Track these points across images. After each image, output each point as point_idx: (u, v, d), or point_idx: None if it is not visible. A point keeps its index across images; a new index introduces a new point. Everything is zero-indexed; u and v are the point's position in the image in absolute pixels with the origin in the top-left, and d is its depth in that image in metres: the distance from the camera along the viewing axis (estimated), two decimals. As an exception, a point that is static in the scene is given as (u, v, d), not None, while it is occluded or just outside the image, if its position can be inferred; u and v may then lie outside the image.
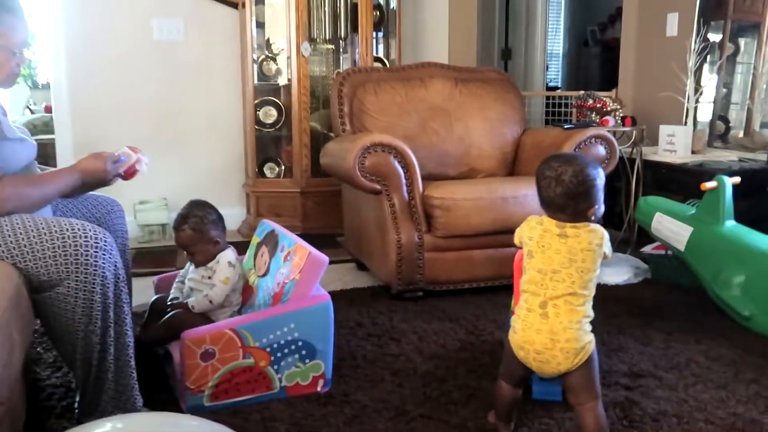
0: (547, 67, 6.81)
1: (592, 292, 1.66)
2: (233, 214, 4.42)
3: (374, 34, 4.26)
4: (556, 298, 1.62)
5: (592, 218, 1.66)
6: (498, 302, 2.82)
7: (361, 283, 3.16)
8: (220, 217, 2.25)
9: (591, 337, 1.65)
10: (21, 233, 1.67)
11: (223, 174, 4.41)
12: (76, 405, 1.90)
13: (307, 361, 2.01)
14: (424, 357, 2.29)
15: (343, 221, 3.52)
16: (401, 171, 2.85)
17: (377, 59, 4.37)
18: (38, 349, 2.33)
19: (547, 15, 6.47)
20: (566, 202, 1.63)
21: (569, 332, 1.61)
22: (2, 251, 1.66)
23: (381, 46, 4.53)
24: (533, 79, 6.38)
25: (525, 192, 2.85)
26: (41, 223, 1.69)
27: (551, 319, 1.62)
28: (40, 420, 1.88)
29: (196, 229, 2.16)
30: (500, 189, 2.89)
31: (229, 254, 2.19)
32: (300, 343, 1.99)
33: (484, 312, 2.72)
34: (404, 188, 2.85)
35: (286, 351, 1.98)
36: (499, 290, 2.93)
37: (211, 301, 2.12)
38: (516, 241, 1.78)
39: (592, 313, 1.67)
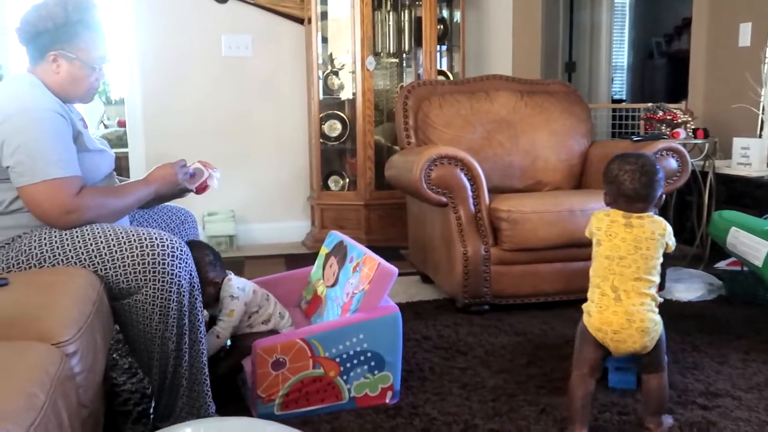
0: (612, 79, 6.69)
1: (657, 279, 1.80)
2: (298, 227, 4.48)
3: (438, 47, 4.27)
4: (625, 283, 1.77)
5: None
6: (566, 317, 2.77)
7: (426, 296, 3.15)
8: (216, 256, 2.19)
9: (659, 319, 1.79)
10: (102, 242, 1.72)
11: (288, 187, 4.48)
12: (151, 410, 1.94)
13: (376, 372, 2.01)
14: (492, 371, 2.27)
15: (407, 234, 3.52)
16: (467, 183, 2.83)
17: (441, 72, 4.38)
18: (114, 356, 2.40)
19: (611, 27, 6.37)
20: (648, 192, 1.79)
21: (642, 313, 1.75)
22: (84, 259, 1.71)
23: (444, 60, 4.54)
24: (598, 92, 6.28)
25: (593, 205, 2.80)
26: (120, 232, 1.74)
27: (624, 302, 1.76)
28: (116, 424, 1.93)
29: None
30: (568, 202, 2.84)
31: (228, 288, 2.14)
32: (369, 354, 1.99)
33: (552, 327, 2.68)
34: (470, 201, 2.84)
35: (355, 362, 1.98)
36: (567, 305, 2.88)
37: (218, 336, 2.11)
38: (586, 233, 1.94)
39: (659, 298, 1.81)
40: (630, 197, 1.80)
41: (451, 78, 4.37)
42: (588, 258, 2.80)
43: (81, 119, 1.98)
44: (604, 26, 6.23)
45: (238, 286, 2.15)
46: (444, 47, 4.51)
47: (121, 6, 4.13)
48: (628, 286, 1.76)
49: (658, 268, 1.80)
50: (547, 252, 2.82)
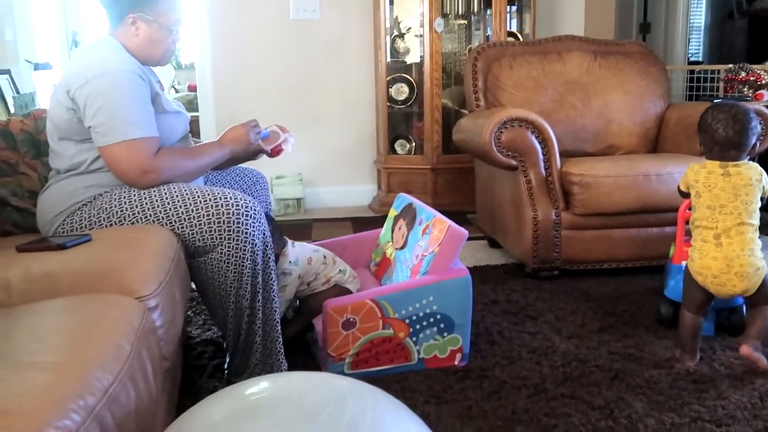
0: (689, 40, 6.42)
1: (758, 222, 1.91)
2: (364, 190, 4.49)
3: (507, 8, 4.17)
4: (727, 230, 1.89)
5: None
6: (638, 284, 2.71)
7: (494, 260, 3.13)
8: (275, 228, 2.15)
9: (763, 263, 1.89)
10: (179, 201, 1.76)
11: (354, 150, 4.48)
12: (225, 365, 2.00)
13: (445, 334, 2.01)
14: (562, 336, 2.24)
15: (474, 198, 3.49)
16: (538, 146, 2.78)
17: (510, 34, 4.28)
18: (188, 312, 2.47)
19: (690, -15, 6.10)
20: (741, 140, 1.90)
21: (742, 258, 1.87)
22: (162, 218, 1.76)
23: (514, 21, 4.43)
24: (674, 53, 6.05)
25: (670, 169, 2.71)
26: (197, 192, 1.78)
27: (725, 248, 1.88)
28: (191, 378, 1.99)
29: None
30: (643, 166, 2.75)
31: (280, 264, 2.12)
32: (438, 316, 1.99)
33: (624, 293, 2.62)
34: (541, 164, 2.78)
35: (424, 323, 1.99)
36: (640, 272, 2.82)
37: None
38: (682, 187, 2.06)
39: (760, 242, 1.92)
40: (723, 145, 1.90)
41: (521, 39, 4.27)
42: (663, 224, 2.76)
43: (158, 81, 2.01)
44: (682, -16, 5.98)
45: (290, 260, 2.14)
46: (514, 8, 4.40)
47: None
48: (731, 232, 1.88)
49: (758, 212, 1.92)
50: (620, 217, 2.75)
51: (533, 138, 2.77)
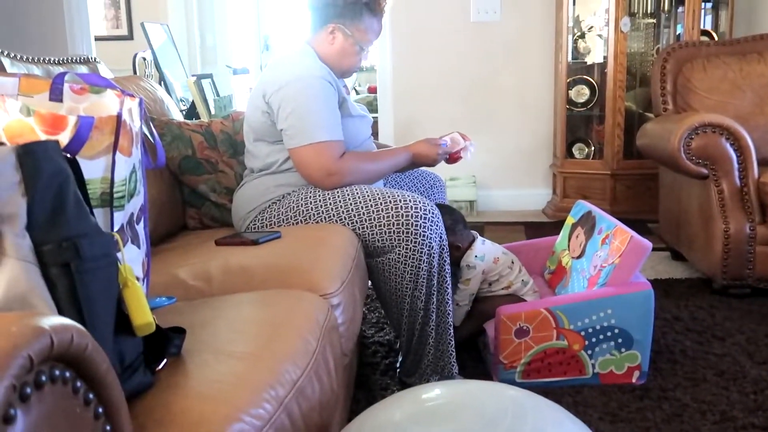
0: None
1: None
2: (538, 194, 4.41)
3: (702, 5, 3.90)
4: None
5: None
6: None
7: (676, 273, 2.95)
8: (456, 222, 2.16)
9: None
10: (360, 203, 1.83)
11: (530, 153, 4.41)
12: (398, 364, 2.04)
13: (623, 350, 1.93)
14: (754, 361, 2.07)
15: (656, 207, 3.31)
16: (733, 154, 2.58)
17: (704, 33, 4.00)
18: (363, 310, 2.55)
19: None
20: None
21: None
22: (344, 218, 1.84)
23: (709, 18, 4.14)
24: None
25: None
26: (378, 194, 1.84)
27: None
28: (365, 374, 2.06)
29: None
30: None
31: (466, 257, 2.14)
32: (616, 331, 1.91)
33: (828, 318, 2.38)
34: (736, 173, 2.58)
35: (601, 337, 1.92)
36: None
37: (458, 304, 2.13)
38: None
39: None
40: None
41: (716, 39, 3.98)
42: None
43: (344, 86, 2.11)
44: None
45: (476, 255, 2.15)
46: (709, 4, 4.11)
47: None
48: None
49: None
50: (827, 234, 2.50)
51: (728, 145, 2.58)
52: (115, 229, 1.12)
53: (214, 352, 1.05)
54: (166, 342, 1.02)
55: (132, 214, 1.20)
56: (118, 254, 0.93)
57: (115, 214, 1.12)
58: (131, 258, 1.17)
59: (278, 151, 1.96)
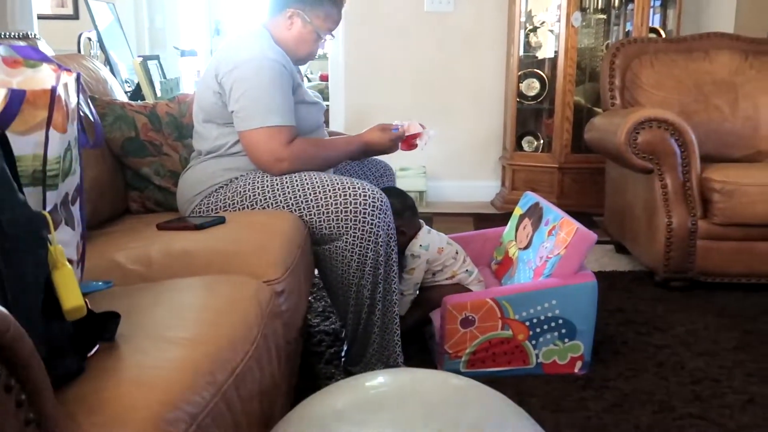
0: None
1: None
2: (488, 186, 4.44)
3: (651, 2, 3.97)
4: None
5: None
6: (782, 302, 2.53)
7: (620, 266, 3.01)
8: (405, 207, 2.14)
9: None
10: (309, 189, 1.81)
11: (480, 146, 4.44)
12: (343, 353, 2.03)
13: (566, 340, 1.95)
14: (693, 353, 2.12)
15: (602, 200, 3.36)
16: (677, 149, 2.63)
17: (653, 30, 4.08)
18: (309, 299, 2.53)
19: None
20: None
21: None
22: (292, 204, 1.81)
23: (657, 16, 4.22)
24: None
25: (826, 181, 2.50)
26: (326, 181, 1.81)
27: None
28: (310, 364, 2.03)
29: None
30: (794, 176, 2.55)
31: (411, 246, 2.13)
32: (560, 321, 1.93)
33: (764, 311, 2.45)
34: (680, 168, 2.64)
35: (545, 327, 1.93)
36: (784, 289, 2.63)
37: (402, 294, 2.13)
38: None
39: None
40: None
41: (664, 36, 4.06)
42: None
43: (299, 72, 2.07)
44: None
45: (421, 244, 2.14)
46: (658, 2, 4.19)
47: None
48: None
49: None
50: (764, 229, 2.56)
51: (672, 140, 2.63)
52: (48, 209, 1.07)
53: (150, 338, 1.02)
54: (99, 327, 0.97)
55: (67, 194, 1.15)
56: (48, 236, 0.89)
57: (48, 194, 1.07)
58: (65, 240, 1.12)
59: (227, 134, 1.92)
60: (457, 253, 2.22)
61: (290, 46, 1.98)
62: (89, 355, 0.96)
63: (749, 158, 3.04)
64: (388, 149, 2.07)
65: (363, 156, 2.13)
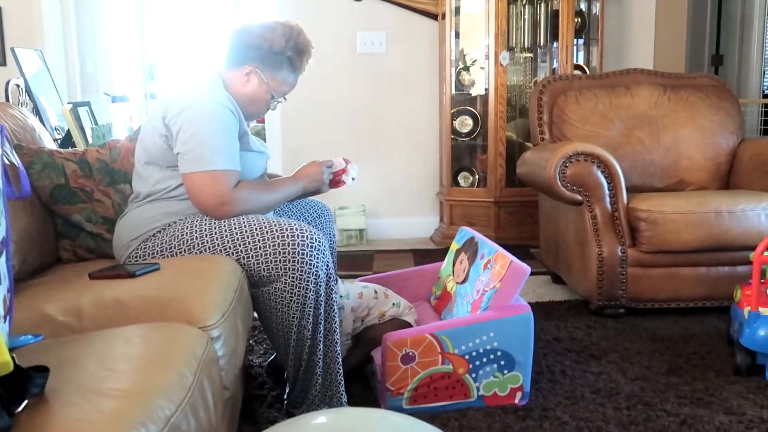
0: (765, 73, 6.23)
1: None
2: (426, 222, 4.50)
3: (574, 41, 4.14)
4: None
5: None
6: (708, 325, 2.62)
7: (557, 296, 3.07)
8: None
9: None
10: (246, 231, 1.80)
11: (418, 182, 4.50)
12: (285, 396, 2.01)
13: (505, 371, 1.98)
14: (627, 378, 2.17)
15: (537, 232, 3.45)
16: (604, 181, 2.73)
17: (577, 67, 4.24)
18: (250, 341, 2.50)
19: (765, 17, 5.93)
20: None
21: None
22: (228, 247, 1.80)
23: (581, 54, 4.40)
24: (748, 86, 5.87)
25: (743, 207, 2.62)
26: (263, 223, 1.81)
27: None
28: (252, 407, 2.01)
29: None
30: (714, 203, 2.67)
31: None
32: (499, 353, 1.96)
33: (693, 335, 2.54)
34: (607, 199, 2.73)
35: (484, 360, 1.96)
36: (710, 312, 2.72)
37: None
38: None
39: None
40: None
41: (588, 72, 4.23)
42: (735, 263, 2.67)
43: (246, 121, 2.08)
44: (756, 16, 5.82)
45: (341, 295, 2.14)
46: (581, 41, 4.37)
47: (261, 3, 4.30)
48: None
49: None
50: (690, 255, 2.67)
51: (599, 173, 2.73)
52: (-29, 263, 1.05)
53: (81, 391, 1.00)
54: (27, 382, 0.95)
55: (-8, 247, 1.13)
56: (-29, 289, 0.87)
57: (-28, 248, 1.05)
58: (-10, 294, 1.09)
59: (169, 177, 1.91)
60: (375, 292, 2.23)
61: (243, 101, 2.00)
62: (17, 411, 0.93)
63: (672, 187, 3.17)
64: (322, 182, 2.09)
65: (302, 195, 2.14)
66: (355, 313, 2.18)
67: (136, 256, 1.88)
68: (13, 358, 0.93)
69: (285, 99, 2.13)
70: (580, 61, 4.35)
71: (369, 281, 2.42)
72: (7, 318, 1.20)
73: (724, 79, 5.76)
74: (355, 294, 2.19)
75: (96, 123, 3.21)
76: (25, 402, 0.95)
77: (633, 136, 3.23)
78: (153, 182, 1.92)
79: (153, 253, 1.86)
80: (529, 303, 2.03)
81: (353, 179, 2.16)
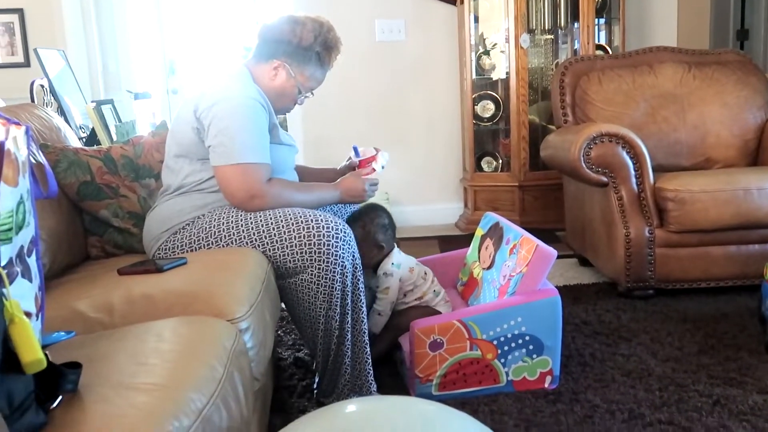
0: (792, 45, 6.10)
1: None
2: (451, 208, 4.48)
3: (596, 21, 4.09)
4: None
5: None
6: (739, 304, 2.59)
7: (584, 279, 3.05)
8: (390, 224, 2.21)
9: None
10: (272, 224, 1.81)
11: (441, 169, 4.49)
12: (314, 386, 2.02)
13: (534, 356, 1.97)
14: (658, 359, 2.15)
15: (563, 215, 3.42)
16: (630, 162, 2.70)
17: (599, 47, 4.19)
18: (279, 332, 2.52)
19: (792, -13, 5.81)
20: None
21: None
22: (255, 240, 1.81)
23: (603, 33, 4.34)
24: (775, 60, 5.76)
25: (773, 183, 2.58)
26: (289, 215, 1.82)
27: None
28: (282, 398, 2.02)
29: (364, 228, 2.15)
30: (743, 180, 2.63)
31: (383, 265, 2.17)
32: (527, 338, 1.95)
33: (724, 314, 2.51)
34: (633, 180, 2.70)
35: (513, 345, 1.96)
36: (740, 291, 2.69)
37: (379, 314, 2.17)
38: None
39: None
40: None
41: (611, 52, 4.17)
42: (766, 240, 2.63)
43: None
44: (782, -13, 5.70)
45: (393, 263, 2.17)
46: (602, 20, 4.31)
47: (280, -3, 4.30)
48: None
49: None
50: (719, 234, 2.63)
51: (624, 153, 2.70)
52: (3, 263, 1.06)
53: (113, 386, 1.01)
54: (61, 378, 0.97)
55: (22, 246, 1.15)
56: (3, 290, 0.88)
57: (2, 248, 1.07)
58: (22, 293, 1.11)
59: (200, 170, 1.93)
60: (425, 273, 2.24)
61: (270, 96, 2.00)
62: (52, 407, 0.95)
63: (699, 166, 3.13)
64: (362, 199, 2.10)
65: (337, 203, 2.13)
66: (402, 284, 2.18)
67: (165, 249, 1.90)
68: (46, 355, 0.95)
69: (312, 94, 2.12)
70: (602, 41, 4.29)
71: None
72: (40, 315, 1.22)
73: (751, 54, 5.66)
74: (407, 266, 2.20)
75: (119, 120, 3.24)
76: (60, 398, 0.97)
77: (658, 115, 3.18)
78: (183, 175, 1.94)
79: (182, 246, 1.88)
80: (556, 287, 2.02)
81: (383, 167, 2.15)
